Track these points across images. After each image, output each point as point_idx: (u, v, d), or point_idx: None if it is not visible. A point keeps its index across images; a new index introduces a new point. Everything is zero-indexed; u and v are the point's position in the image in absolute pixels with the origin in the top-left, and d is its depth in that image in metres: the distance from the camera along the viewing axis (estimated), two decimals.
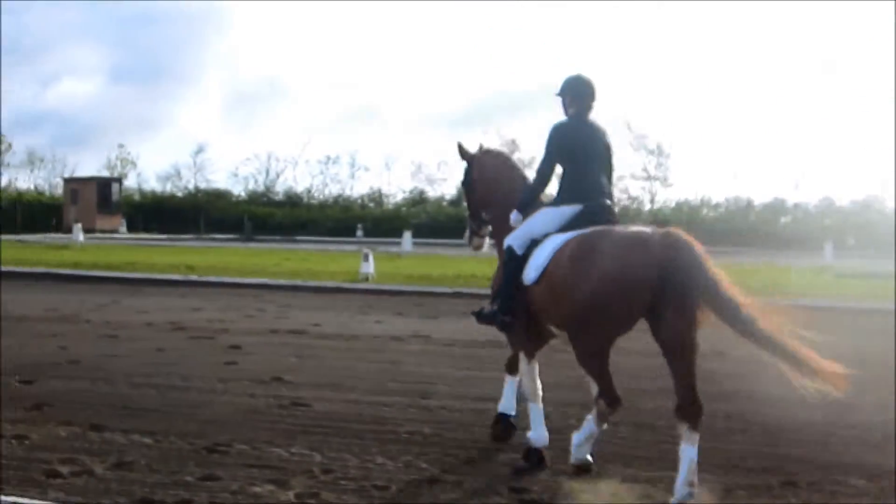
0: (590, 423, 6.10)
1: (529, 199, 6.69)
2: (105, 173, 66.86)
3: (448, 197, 69.01)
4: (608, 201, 6.54)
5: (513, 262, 6.41)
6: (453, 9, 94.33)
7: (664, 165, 65.23)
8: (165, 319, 13.79)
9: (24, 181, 70.55)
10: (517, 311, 6.39)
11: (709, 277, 5.52)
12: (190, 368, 9.65)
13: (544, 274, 6.10)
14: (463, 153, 7.34)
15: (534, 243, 6.33)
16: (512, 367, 7.00)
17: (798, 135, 61.12)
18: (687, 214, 58.50)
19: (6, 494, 5.03)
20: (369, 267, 20.98)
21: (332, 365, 10.03)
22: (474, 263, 26.33)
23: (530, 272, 6.24)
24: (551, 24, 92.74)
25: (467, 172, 7.39)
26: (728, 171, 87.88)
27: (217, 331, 12.62)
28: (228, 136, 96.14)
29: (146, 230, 57.13)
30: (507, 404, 7.03)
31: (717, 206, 62.64)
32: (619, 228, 6.03)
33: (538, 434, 6.43)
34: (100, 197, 56.44)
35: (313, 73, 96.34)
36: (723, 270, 5.63)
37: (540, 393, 6.63)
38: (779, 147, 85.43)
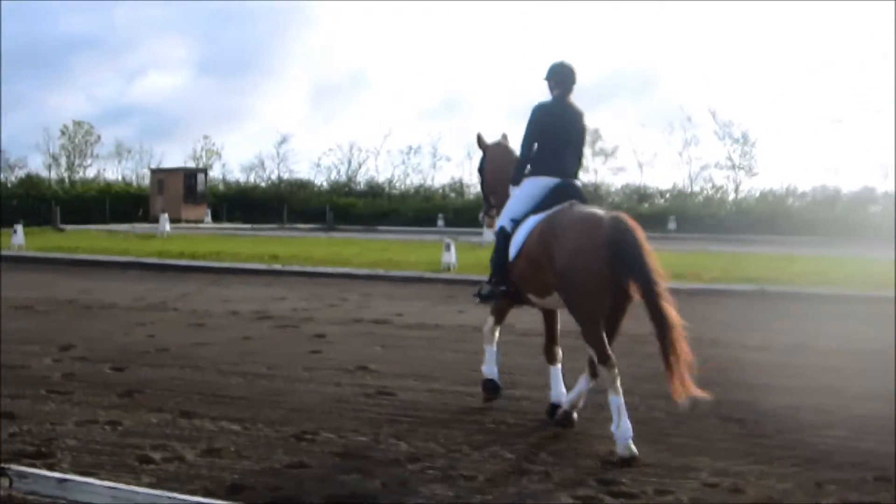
0: (581, 382, 7.01)
1: (519, 172, 7.48)
2: (191, 164, 67.91)
3: None
4: (577, 182, 7.38)
5: (504, 240, 7.28)
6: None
7: (749, 154, 64.23)
8: (250, 308, 13.96)
9: (113, 172, 72.13)
10: (509, 281, 7.29)
11: (644, 260, 6.31)
12: (275, 357, 9.74)
13: (521, 251, 7.00)
14: (480, 143, 8.29)
15: (517, 223, 7.16)
16: (552, 357, 7.54)
17: (888, 121, 59.76)
18: (772, 204, 57.56)
19: (101, 479, 5.12)
20: (451, 257, 20.98)
21: (416, 354, 10.06)
22: None
23: (512, 249, 7.14)
24: (630, 12, 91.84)
25: (481, 161, 8.38)
26: (818, 160, 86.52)
27: (301, 320, 12.73)
28: (311, 127, 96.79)
29: (230, 220, 57.88)
30: (556, 392, 7.43)
31: (803, 195, 61.41)
32: (577, 211, 6.73)
33: (492, 369, 7.74)
34: (186, 187, 57.22)
35: (395, 63, 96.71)
36: (656, 256, 6.44)
37: (496, 339, 7.88)
38: (868, 135, 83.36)
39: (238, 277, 20.11)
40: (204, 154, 72.18)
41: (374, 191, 67.90)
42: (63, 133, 69.00)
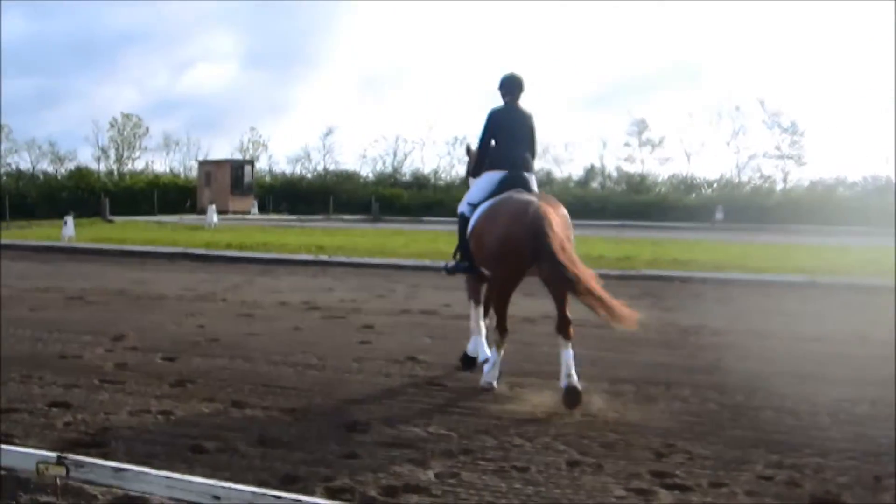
0: (492, 353, 8.04)
1: (477, 167, 8.78)
2: (238, 156, 68.44)
3: (575, 178, 68.64)
4: (526, 172, 8.35)
5: (463, 223, 8.46)
6: None
7: (798, 144, 63.53)
8: (299, 299, 14.01)
9: (161, 164, 72.86)
10: (470, 258, 8.38)
11: (552, 244, 7.12)
12: (325, 348, 9.75)
13: (473, 231, 8.13)
14: (468, 152, 9.69)
15: (474, 208, 8.27)
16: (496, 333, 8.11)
17: None
18: (821, 194, 56.91)
19: (156, 468, 5.14)
20: None
21: (464, 345, 10.01)
22: (603, 244, 26.11)
23: (468, 230, 8.26)
24: (678, 1, 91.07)
25: (468, 166, 9.83)
26: (869, 149, 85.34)
27: (349, 310, 12.75)
28: (357, 119, 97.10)
29: (276, 211, 58.26)
30: (473, 349, 8.81)
31: (853, 185, 60.65)
32: (514, 199, 7.75)
33: (474, 346, 8.77)
34: (233, 179, 57.66)
35: (441, 55, 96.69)
36: (565, 239, 7.35)
37: (482, 328, 8.80)
38: None
39: (285, 268, 20.19)
40: (251, 146, 72.88)
41: (420, 182, 68.06)
42: (112, 126, 69.89)
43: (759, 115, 63.72)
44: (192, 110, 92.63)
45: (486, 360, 8.27)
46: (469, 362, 8.68)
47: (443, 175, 70.16)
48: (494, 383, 7.87)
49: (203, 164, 62.56)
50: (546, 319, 11.86)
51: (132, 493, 4.84)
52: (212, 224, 36.62)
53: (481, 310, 8.83)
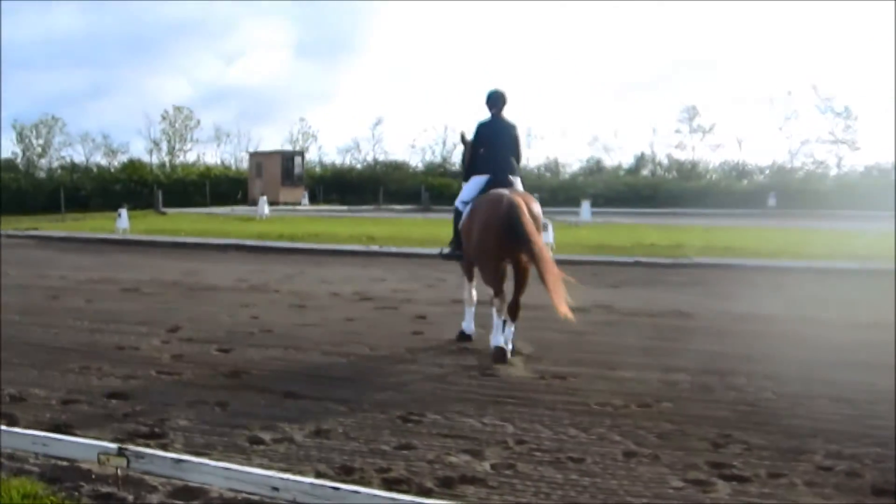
0: (495, 319, 8.76)
1: (469, 171, 9.91)
2: (288, 147, 68.78)
3: (626, 166, 68.21)
4: (510, 175, 9.56)
5: (457, 217, 9.81)
6: None
7: (852, 128, 62.61)
8: (350, 290, 14.07)
9: (212, 156, 73.42)
10: (461, 247, 9.66)
11: (527, 231, 8.36)
12: (377, 338, 9.79)
13: (463, 225, 9.41)
14: (463, 140, 10.24)
15: (466, 205, 9.52)
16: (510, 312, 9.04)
17: None
18: (876, 179, 56.03)
19: (213, 459, 5.20)
20: (549, 237, 20.82)
21: (518, 335, 10.00)
22: (654, 232, 25.94)
23: (460, 223, 9.59)
24: None
25: (463, 154, 10.37)
26: None
27: (401, 301, 12.78)
28: (406, 109, 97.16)
29: (327, 202, 58.53)
30: (468, 326, 9.92)
31: None
32: (492, 193, 9.02)
33: (468, 326, 9.88)
34: (283, 170, 57.94)
35: (488, 42, 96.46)
36: (534, 225, 8.53)
37: (474, 300, 9.90)
38: None
39: (336, 258, 20.27)
40: (301, 137, 73.14)
41: None
42: (164, 118, 70.45)
43: (811, 100, 62.95)
44: (243, 101, 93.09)
45: (470, 334, 9.81)
46: (464, 338, 9.77)
47: None
48: (505, 346, 8.73)
49: (254, 156, 62.94)
50: (597, 308, 11.86)
51: (191, 484, 4.89)
52: (263, 215, 36.82)
53: (473, 285, 9.86)
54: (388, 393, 7.36)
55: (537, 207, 8.95)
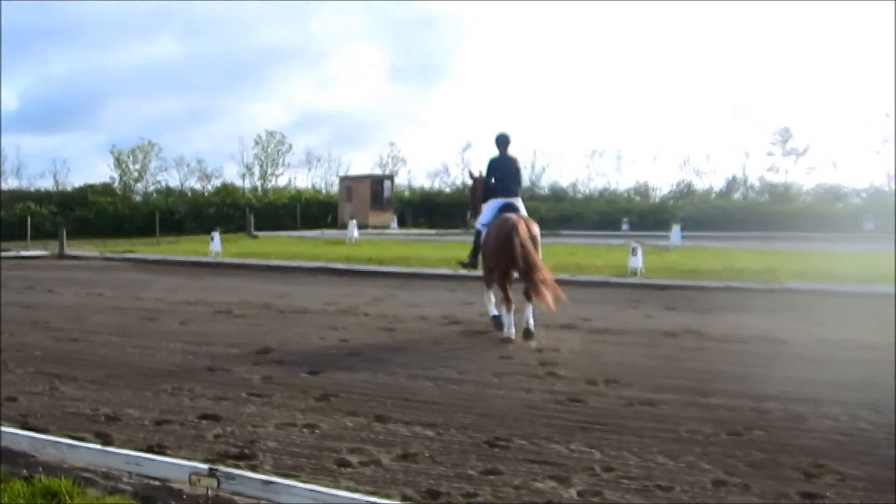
0: (505, 314, 11.73)
1: (487, 196, 12.81)
2: (377, 171, 69.35)
3: (717, 189, 67.31)
4: (515, 199, 12.45)
5: (477, 236, 12.72)
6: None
7: None
8: (438, 313, 14.12)
9: (303, 180, 74.38)
10: (477, 257, 12.84)
11: (522, 248, 11.12)
12: (465, 362, 9.81)
13: (483, 242, 12.29)
14: (471, 177, 13.80)
15: (484, 226, 12.36)
16: (508, 305, 11.77)
17: None
18: None
19: (301, 481, 5.25)
20: (638, 261, 20.66)
21: (605, 360, 9.94)
22: (745, 256, 25.52)
23: (481, 241, 12.44)
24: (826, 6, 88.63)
25: (472, 188, 13.80)
26: None
27: (488, 325, 12.75)
28: (495, 133, 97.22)
29: (415, 225, 58.82)
30: (493, 311, 12.34)
31: None
32: (501, 218, 11.77)
33: (492, 311, 12.28)
34: (373, 194, 58.44)
35: (579, 67, 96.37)
36: (528, 239, 11.26)
37: (493, 302, 12.37)
38: None
39: (425, 282, 20.35)
40: (390, 161, 73.64)
41: (558, 195, 67.75)
42: (257, 143, 71.54)
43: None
44: (335, 126, 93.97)
45: (497, 318, 12.01)
46: (498, 323, 11.94)
47: (581, 188, 69.77)
48: (511, 335, 11.47)
49: (344, 180, 63.62)
50: (686, 333, 11.72)
51: None
52: (352, 238, 37.14)
53: (491, 293, 12.46)
54: (474, 417, 7.35)
55: (536, 229, 11.76)
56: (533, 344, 10.99)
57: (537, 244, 11.52)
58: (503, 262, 11.45)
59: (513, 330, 11.47)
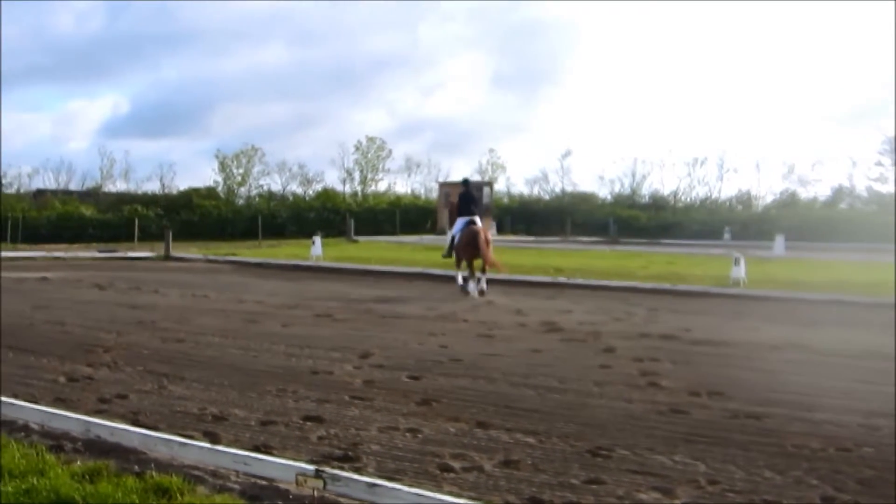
0: (466, 279, 19.01)
1: (459, 214, 19.60)
2: (476, 177, 69.45)
3: (822, 198, 65.86)
4: (475, 217, 19.23)
5: (451, 239, 19.78)
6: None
7: None
8: (537, 320, 14.10)
9: (402, 185, 74.87)
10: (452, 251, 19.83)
11: (479, 241, 18.38)
12: (565, 370, 9.77)
13: (454, 242, 19.41)
14: (448, 198, 24.78)
15: (458, 232, 19.26)
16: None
17: None
18: None
19: (404, 485, 5.29)
20: (740, 271, 20.34)
21: (707, 371, 9.81)
22: (847, 268, 24.91)
23: (454, 242, 19.47)
24: None
25: (450, 211, 24.53)
26: None
27: (588, 333, 12.70)
28: (595, 140, 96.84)
29: (514, 232, 58.77)
30: (459, 279, 19.77)
31: None
32: (470, 228, 18.75)
33: (459, 279, 19.63)
34: None
35: (680, 73, 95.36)
36: (486, 241, 18.41)
37: (460, 276, 19.50)
38: None
39: (523, 289, 20.37)
40: (490, 167, 73.65)
41: (658, 203, 67.03)
42: (357, 148, 72.18)
43: None
44: (436, 132, 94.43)
45: (463, 285, 19.00)
46: (464, 289, 18.83)
47: (682, 196, 68.91)
48: (472, 292, 18.36)
49: (443, 186, 63.75)
50: (791, 346, 11.50)
51: None
52: None
53: (459, 271, 19.48)
54: (576, 426, 7.32)
55: (491, 232, 20.79)
56: (486, 297, 18.03)
57: (489, 242, 18.83)
58: (469, 253, 18.55)
59: (473, 290, 18.36)
